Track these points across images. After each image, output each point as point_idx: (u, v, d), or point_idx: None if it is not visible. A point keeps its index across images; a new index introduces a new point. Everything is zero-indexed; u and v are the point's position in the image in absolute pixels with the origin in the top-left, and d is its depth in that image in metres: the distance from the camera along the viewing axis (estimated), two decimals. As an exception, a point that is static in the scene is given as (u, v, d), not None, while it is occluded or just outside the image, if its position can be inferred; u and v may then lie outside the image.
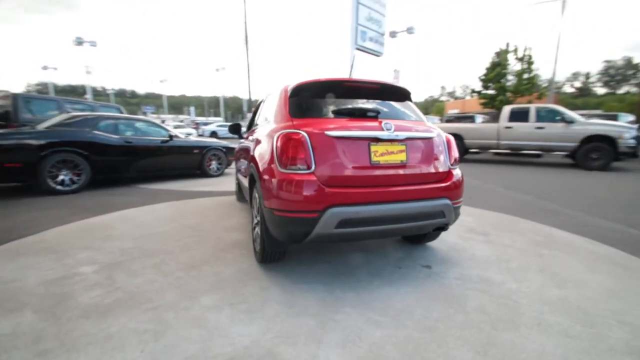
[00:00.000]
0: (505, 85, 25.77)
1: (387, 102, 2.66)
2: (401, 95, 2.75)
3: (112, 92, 47.96)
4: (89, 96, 29.25)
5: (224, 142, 7.88)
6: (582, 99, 52.06)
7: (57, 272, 2.43)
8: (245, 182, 3.36)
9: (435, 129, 2.52)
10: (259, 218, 2.54)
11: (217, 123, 32.70)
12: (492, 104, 26.19)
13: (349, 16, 15.55)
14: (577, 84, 57.86)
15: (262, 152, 2.43)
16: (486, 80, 26.75)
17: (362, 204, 2.11)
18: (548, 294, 2.22)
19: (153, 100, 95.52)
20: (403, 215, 2.20)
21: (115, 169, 5.88)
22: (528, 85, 25.08)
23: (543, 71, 29.64)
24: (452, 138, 2.60)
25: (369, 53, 17.02)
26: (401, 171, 2.27)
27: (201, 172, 7.29)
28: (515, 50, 25.68)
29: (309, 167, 2.11)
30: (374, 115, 2.40)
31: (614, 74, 54.05)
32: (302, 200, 2.06)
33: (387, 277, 2.44)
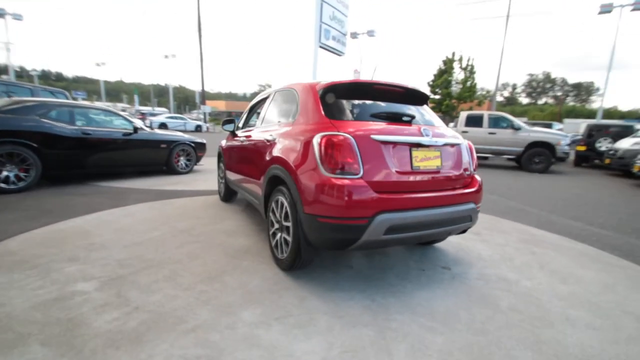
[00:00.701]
0: (451, 92, 27.89)
1: (413, 106, 2.68)
2: (421, 99, 2.79)
3: (35, 74, 41.58)
4: (9, 77, 25.00)
5: (192, 137, 7.33)
6: (510, 107, 58.61)
7: (49, 292, 2.03)
8: (252, 184, 3.16)
9: (459, 135, 2.62)
10: (285, 223, 2.40)
11: (167, 114, 30.12)
12: (439, 109, 28.18)
13: (313, 14, 15.53)
14: (506, 94, 65.11)
15: (296, 154, 2.28)
16: (434, 86, 28.71)
17: (407, 210, 2.11)
18: (558, 289, 2.44)
19: (84, 85, 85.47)
20: (441, 220, 2.25)
21: (70, 165, 5.11)
22: (470, 93, 27.45)
23: (480, 80, 32.61)
24: (472, 144, 2.72)
25: (331, 52, 17.21)
26: (436, 176, 2.31)
27: (168, 168, 6.69)
28: (460, 60, 27.92)
29: (357, 172, 2.04)
30: (409, 120, 2.41)
31: (536, 87, 61.83)
32: (351, 207, 1.99)
33: (416, 280, 2.48)
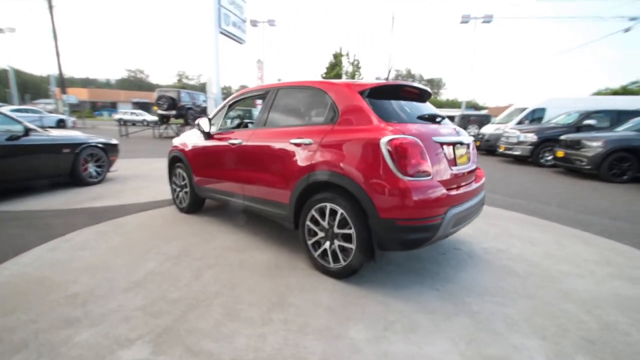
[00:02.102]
0: (342, 84, 30.02)
1: (427, 105, 2.89)
2: (427, 97, 2.98)
3: None
4: None
5: (100, 137, 5.89)
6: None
7: (91, 375, 1.45)
8: (265, 192, 2.85)
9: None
10: (341, 231, 2.31)
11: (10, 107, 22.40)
12: (333, 99, 30.04)
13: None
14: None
15: (358, 159, 2.20)
16: (326, 78, 30.40)
17: (463, 203, 2.34)
18: (535, 250, 3.13)
19: None
20: (476, 208, 2.58)
21: None
22: (358, 85, 30.16)
23: (369, 74, 36.26)
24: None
25: (232, 38, 16.25)
26: (468, 171, 2.61)
27: (74, 179, 5.24)
28: (348, 55, 30.27)
29: (430, 173, 2.14)
30: (440, 120, 2.62)
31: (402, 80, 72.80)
32: (430, 207, 2.09)
33: (447, 264, 2.78)
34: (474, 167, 2.76)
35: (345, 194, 2.30)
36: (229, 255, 2.81)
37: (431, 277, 2.53)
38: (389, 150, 2.10)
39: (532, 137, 9.38)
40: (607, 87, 24.64)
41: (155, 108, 15.52)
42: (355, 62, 30.35)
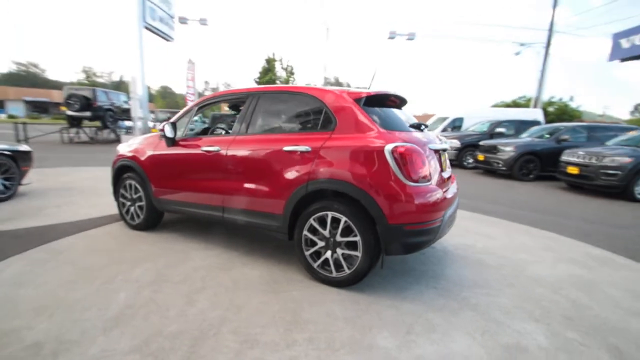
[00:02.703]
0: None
1: (405, 111, 3.05)
2: (404, 104, 3.11)
3: None
4: None
5: (7, 144, 4.79)
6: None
7: None
8: (252, 203, 2.66)
9: None
10: (344, 239, 2.29)
11: None
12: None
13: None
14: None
15: (364, 166, 2.20)
16: (260, 83, 29.94)
17: (451, 205, 2.53)
18: (495, 244, 3.55)
19: None
20: (456, 210, 2.80)
21: None
22: (293, 91, 30.41)
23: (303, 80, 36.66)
24: None
25: (158, 35, 14.99)
26: (448, 174, 2.83)
27: (-28, 196, 4.16)
28: (281, 60, 30.31)
29: (431, 178, 2.26)
30: (423, 128, 2.79)
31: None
32: (434, 210, 2.21)
33: (429, 262, 2.96)
34: (451, 170, 3.01)
35: (349, 201, 2.28)
36: (216, 275, 2.54)
37: (423, 276, 2.66)
38: (394, 158, 2.16)
39: (456, 143, 10.62)
40: (502, 100, 29.27)
41: (63, 108, 13.25)
42: (289, 68, 30.54)
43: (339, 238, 2.33)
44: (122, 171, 3.61)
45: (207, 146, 2.90)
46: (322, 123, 2.49)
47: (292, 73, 30.77)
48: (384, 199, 2.14)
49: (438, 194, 2.26)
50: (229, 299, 2.19)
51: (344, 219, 2.27)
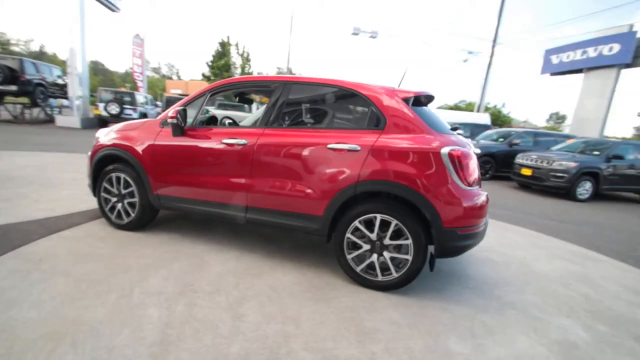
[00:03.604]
0: (232, 76, 28.51)
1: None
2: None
3: None
4: None
5: None
6: (265, 94, 67.04)
7: None
8: (287, 201, 2.46)
9: None
10: (393, 242, 2.24)
11: None
12: (221, 91, 28.18)
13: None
14: (261, 82, 73.90)
15: (418, 169, 2.15)
16: (214, 67, 28.21)
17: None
18: (504, 243, 3.80)
19: None
20: None
21: None
22: (248, 79, 29.20)
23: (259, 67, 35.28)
24: None
25: (103, 4, 13.20)
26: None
27: None
28: (237, 45, 28.86)
29: (480, 183, 2.29)
30: (458, 132, 2.83)
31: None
32: (484, 214, 2.27)
33: (449, 262, 3.04)
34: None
35: (401, 204, 2.22)
36: (248, 282, 2.31)
37: (451, 276, 2.73)
38: (451, 161, 2.15)
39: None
40: (446, 103, 31.69)
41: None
42: (245, 54, 29.20)
43: (387, 241, 2.26)
44: (106, 162, 3.08)
45: (230, 138, 2.59)
46: (370, 121, 2.38)
47: (248, 60, 29.47)
48: (441, 203, 2.13)
49: (484, 198, 2.31)
50: (278, 310, 2.00)
51: (394, 221, 2.21)
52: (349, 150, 2.29)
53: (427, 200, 2.13)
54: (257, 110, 4.06)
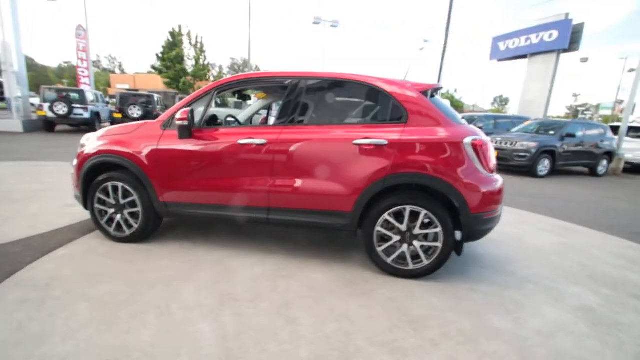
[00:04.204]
0: (186, 69, 26.99)
1: None
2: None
3: None
4: None
5: None
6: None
7: None
8: (313, 199, 2.43)
9: None
10: (422, 231, 2.32)
11: None
12: (176, 86, 26.63)
13: None
14: (214, 73, 70.44)
15: (446, 159, 2.24)
16: (165, 59, 26.44)
17: None
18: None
19: None
20: None
21: None
22: (205, 72, 27.87)
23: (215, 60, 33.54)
24: None
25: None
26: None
27: None
28: (189, 35, 27.26)
29: (496, 170, 2.44)
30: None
31: (237, 70, 71.48)
32: (502, 198, 2.42)
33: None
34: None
35: (429, 194, 2.31)
36: (284, 284, 2.27)
37: (467, 258, 2.88)
38: (474, 150, 2.26)
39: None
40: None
41: None
42: (199, 45, 27.67)
43: (417, 231, 2.34)
44: (99, 171, 2.80)
45: (247, 138, 2.48)
46: (392, 115, 2.40)
47: (202, 51, 27.97)
48: (468, 191, 2.24)
49: (502, 183, 2.46)
50: (326, 309, 2.00)
51: (424, 211, 2.29)
52: (376, 145, 2.31)
53: (456, 189, 2.23)
54: (250, 107, 3.91)
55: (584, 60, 27.95)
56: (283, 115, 2.53)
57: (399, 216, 2.35)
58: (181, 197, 2.67)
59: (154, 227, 2.90)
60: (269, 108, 3.99)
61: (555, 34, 15.97)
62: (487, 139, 2.40)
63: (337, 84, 2.58)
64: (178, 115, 2.46)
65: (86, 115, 10.99)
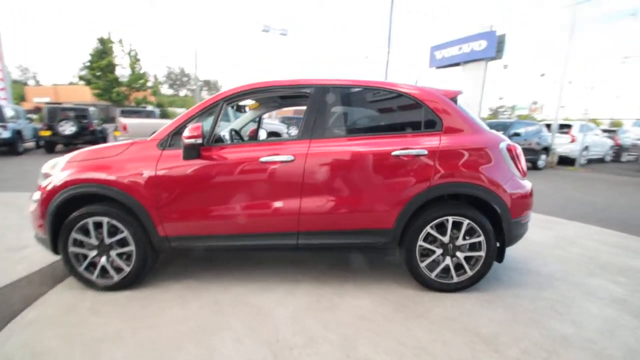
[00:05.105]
0: (119, 78, 24.67)
1: None
2: None
3: None
4: None
5: None
6: (158, 96, 59.59)
7: None
8: (335, 219, 2.21)
9: None
10: (464, 242, 2.25)
11: None
12: (108, 97, 24.15)
13: None
14: (150, 84, 65.23)
15: (485, 166, 2.19)
16: (94, 68, 23.85)
17: None
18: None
19: None
20: None
21: None
22: (142, 82, 25.77)
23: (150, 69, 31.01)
24: None
25: None
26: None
27: None
28: (121, 42, 25.04)
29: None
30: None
31: (175, 79, 67.22)
32: (533, 201, 2.43)
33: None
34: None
35: (471, 202, 2.24)
36: (331, 318, 2.00)
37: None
38: (510, 154, 2.26)
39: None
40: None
41: None
42: (133, 53, 25.44)
43: (460, 242, 2.25)
44: (72, 206, 2.24)
45: (271, 156, 2.17)
46: (425, 123, 2.30)
47: (137, 59, 25.76)
48: (509, 197, 2.22)
49: (531, 186, 2.47)
50: (393, 340, 1.79)
51: (466, 221, 2.21)
52: (415, 156, 2.18)
53: (498, 196, 2.20)
54: (239, 119, 3.52)
55: (505, 66, 31.65)
56: (307, 127, 2.28)
57: (440, 228, 2.25)
58: (189, 228, 2.25)
59: (150, 267, 2.41)
60: (259, 119, 3.66)
61: (484, 43, 17.79)
62: (517, 144, 2.42)
63: (363, 92, 2.41)
64: (187, 133, 2.06)
65: (6, 134, 9.24)
